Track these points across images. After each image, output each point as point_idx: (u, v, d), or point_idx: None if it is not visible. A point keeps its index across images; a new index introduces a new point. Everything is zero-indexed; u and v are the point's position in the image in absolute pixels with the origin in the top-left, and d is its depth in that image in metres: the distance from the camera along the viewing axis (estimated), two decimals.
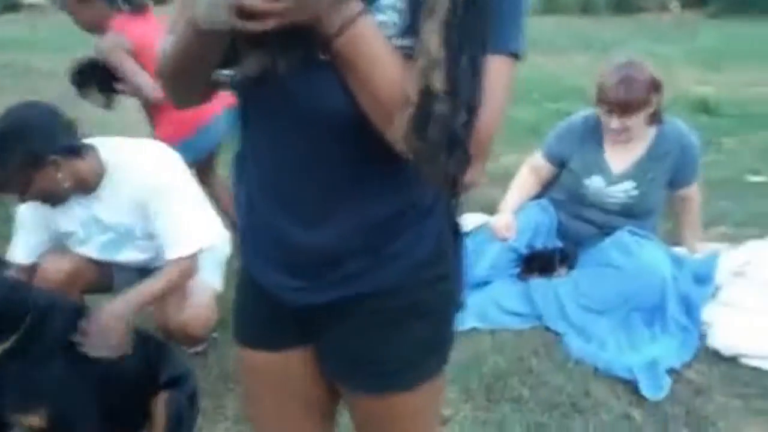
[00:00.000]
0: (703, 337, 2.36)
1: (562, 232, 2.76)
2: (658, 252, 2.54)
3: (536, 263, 2.67)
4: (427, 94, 0.80)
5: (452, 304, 1.09)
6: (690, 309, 2.44)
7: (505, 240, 2.71)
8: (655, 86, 2.54)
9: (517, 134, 4.61)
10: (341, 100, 0.86)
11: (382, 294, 1.00)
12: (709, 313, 2.39)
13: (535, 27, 10.34)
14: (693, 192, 2.73)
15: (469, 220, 3.31)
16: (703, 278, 2.51)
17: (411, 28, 0.82)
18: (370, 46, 0.82)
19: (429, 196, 0.99)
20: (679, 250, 2.78)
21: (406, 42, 0.83)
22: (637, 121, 2.54)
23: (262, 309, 1.06)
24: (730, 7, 9.20)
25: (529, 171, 2.88)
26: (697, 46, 6.92)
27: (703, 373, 2.22)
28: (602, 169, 2.65)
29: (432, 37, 0.79)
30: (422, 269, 1.02)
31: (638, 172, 2.63)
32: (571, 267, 2.67)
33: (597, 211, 2.67)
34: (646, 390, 2.13)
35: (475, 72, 0.83)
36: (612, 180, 2.64)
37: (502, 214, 2.79)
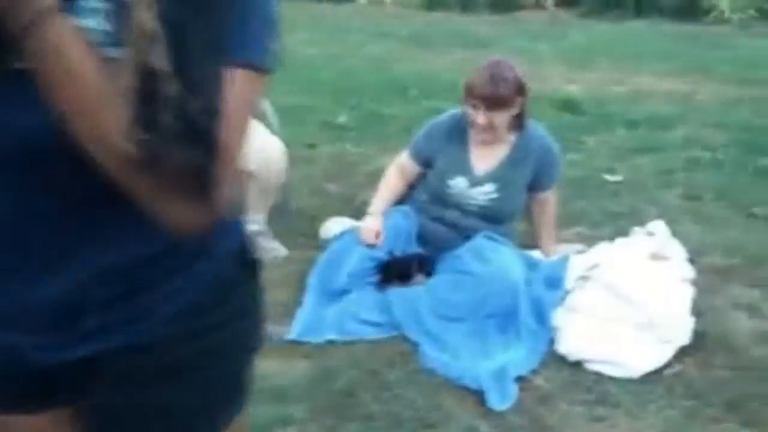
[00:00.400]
0: (552, 342, 2.39)
1: (422, 237, 2.73)
2: (511, 257, 2.55)
3: (394, 271, 2.63)
4: (147, 74, 0.68)
5: (244, 346, 0.99)
6: (541, 314, 2.46)
7: (373, 246, 2.65)
8: (521, 88, 2.57)
9: (393, 133, 4.56)
10: (45, 119, 0.71)
11: (146, 348, 0.89)
12: (558, 317, 2.42)
13: (415, 23, 10.40)
14: (550, 196, 2.77)
15: (335, 225, 3.24)
16: (555, 282, 2.54)
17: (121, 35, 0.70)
18: (68, 47, 0.69)
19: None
20: (534, 254, 2.82)
21: (116, 53, 0.71)
22: (502, 119, 2.54)
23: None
24: (599, 7, 9.57)
25: (396, 170, 2.85)
26: (567, 45, 7.14)
27: (549, 379, 2.24)
28: (466, 170, 2.64)
29: (142, 8, 0.67)
30: (195, 317, 0.91)
31: (499, 176, 2.63)
32: (428, 274, 2.64)
33: (458, 213, 2.66)
34: (491, 400, 2.12)
35: (208, 57, 0.72)
36: (474, 181, 2.63)
37: (370, 218, 2.74)
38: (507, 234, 2.73)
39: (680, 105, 5.14)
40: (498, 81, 2.52)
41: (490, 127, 2.56)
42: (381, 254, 2.64)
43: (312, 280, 2.76)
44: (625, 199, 3.48)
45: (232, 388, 1.00)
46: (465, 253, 2.56)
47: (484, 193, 2.62)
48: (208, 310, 0.92)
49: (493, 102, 2.51)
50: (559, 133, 4.39)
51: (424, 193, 2.76)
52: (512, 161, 2.65)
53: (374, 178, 3.86)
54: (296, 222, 3.39)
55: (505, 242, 2.64)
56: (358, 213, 3.41)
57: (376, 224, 2.69)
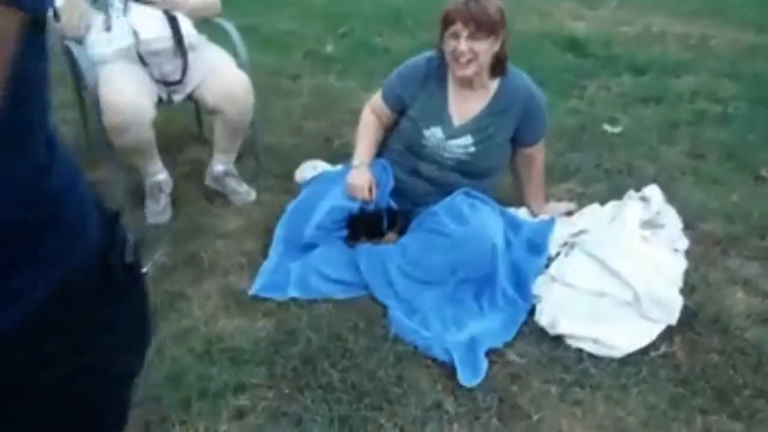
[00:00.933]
0: (531, 313, 2.20)
1: (398, 191, 2.51)
2: (491, 216, 2.34)
3: (363, 226, 2.43)
4: None
5: (108, 370, 0.79)
6: (520, 281, 2.27)
7: (367, 203, 2.44)
8: (503, 17, 2.30)
9: (382, 66, 4.25)
10: None
11: None
12: (539, 286, 2.23)
13: None
14: (537, 151, 2.54)
15: (309, 169, 3.02)
16: (537, 247, 2.34)
17: None
18: None
19: (43, 212, 0.67)
20: (520, 212, 2.61)
21: None
22: (484, 48, 2.27)
23: None
24: None
25: (371, 114, 2.60)
26: None
27: (524, 354, 2.06)
28: (443, 119, 2.41)
29: None
30: (34, 327, 0.71)
31: (477, 127, 2.40)
32: (401, 231, 2.44)
33: (434, 167, 2.44)
34: (461, 375, 1.95)
35: None
36: (451, 133, 2.40)
37: (358, 172, 2.49)
38: (488, 190, 2.51)
39: (692, 51, 4.82)
40: (479, 3, 2.24)
41: (474, 58, 2.29)
42: (351, 206, 2.43)
43: (279, 230, 2.56)
44: (623, 154, 3.24)
45: (85, 416, 0.81)
46: (440, 210, 2.35)
47: (461, 146, 2.39)
48: (52, 320, 0.72)
49: (475, 24, 2.23)
50: (559, 77, 4.15)
51: (398, 142, 2.53)
52: (492, 112, 2.40)
53: (356, 116, 3.60)
54: (269, 162, 3.17)
55: (486, 200, 2.42)
56: (335, 156, 3.20)
57: (366, 178, 2.46)
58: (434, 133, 2.39)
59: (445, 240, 2.26)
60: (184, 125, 3.42)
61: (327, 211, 2.41)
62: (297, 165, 3.09)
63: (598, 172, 3.09)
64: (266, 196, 2.94)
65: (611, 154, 3.24)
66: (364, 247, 2.38)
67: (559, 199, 2.81)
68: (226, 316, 2.27)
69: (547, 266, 2.29)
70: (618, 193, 2.85)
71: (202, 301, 2.33)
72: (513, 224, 2.45)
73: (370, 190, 2.43)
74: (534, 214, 2.63)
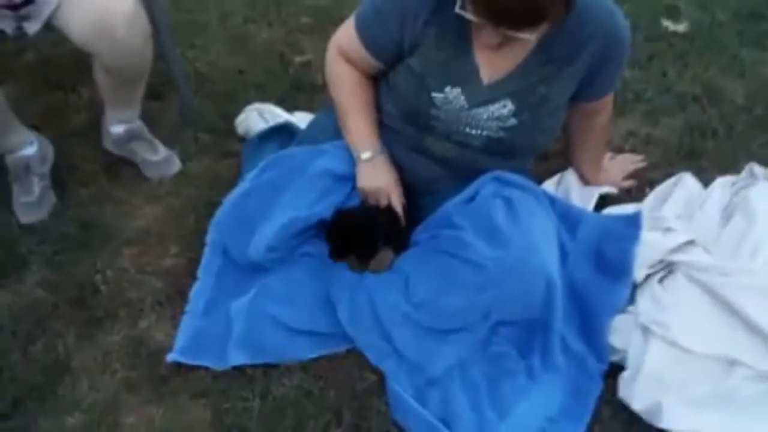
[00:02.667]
0: (608, 376, 1.41)
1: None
2: (539, 226, 1.47)
3: (340, 239, 1.56)
4: None
5: None
6: (588, 322, 1.46)
7: (387, 212, 1.57)
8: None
9: None
10: None
11: None
12: (621, 331, 1.42)
13: None
14: (605, 106, 1.62)
15: (255, 118, 2.09)
16: (613, 266, 1.50)
17: None
18: None
19: None
20: (572, 188, 1.75)
21: None
22: (527, 35, 1.28)
23: None
24: None
25: (343, 62, 1.58)
26: None
27: None
28: (465, 76, 1.44)
29: None
30: None
31: (522, 87, 1.44)
32: (399, 247, 1.58)
33: (451, 146, 1.53)
34: None
35: None
36: (479, 97, 1.45)
37: (375, 167, 1.57)
38: (526, 170, 1.64)
39: None
40: None
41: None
42: (323, 213, 1.55)
43: (212, 233, 1.70)
44: (696, 67, 2.32)
45: None
46: (461, 217, 1.49)
47: (494, 118, 1.46)
48: None
49: (511, 22, 1.26)
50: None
51: (389, 102, 1.59)
52: (547, 60, 1.41)
53: (320, 19, 2.62)
54: (200, 103, 2.23)
55: (527, 189, 1.55)
56: (294, 88, 2.26)
57: (391, 178, 1.58)
58: (451, 99, 1.45)
59: (472, 271, 1.41)
60: (75, 59, 2.38)
61: (284, 225, 1.53)
62: (240, 104, 2.15)
63: (667, 98, 2.19)
64: (196, 164, 2.02)
65: (679, 67, 2.32)
66: (342, 277, 1.53)
67: (617, 151, 1.94)
68: (134, 401, 1.46)
69: (631, 299, 1.46)
70: (701, 134, 1.99)
71: (95, 376, 1.51)
72: (568, 220, 1.59)
73: (398, 199, 1.58)
74: (585, 182, 1.78)
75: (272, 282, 1.54)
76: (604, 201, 1.77)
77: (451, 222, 1.48)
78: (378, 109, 1.59)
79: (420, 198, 1.62)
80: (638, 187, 1.85)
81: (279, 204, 1.57)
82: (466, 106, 1.45)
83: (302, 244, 1.58)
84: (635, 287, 1.45)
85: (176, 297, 1.65)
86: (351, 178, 1.59)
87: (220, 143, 2.08)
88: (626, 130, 2.06)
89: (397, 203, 1.56)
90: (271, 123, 2.00)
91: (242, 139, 2.07)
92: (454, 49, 1.42)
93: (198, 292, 1.63)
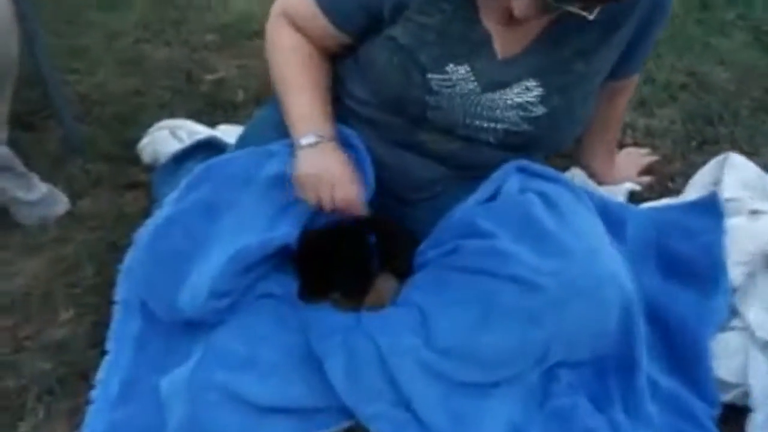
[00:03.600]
0: (722, 422, 1.01)
1: (377, 180, 1.16)
2: (593, 229, 1.08)
3: (314, 270, 1.08)
4: None
5: None
6: (681, 352, 1.06)
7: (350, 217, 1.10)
8: None
9: None
10: None
11: None
12: (732, 354, 1.03)
13: None
14: (633, 82, 1.27)
15: (164, 140, 1.62)
16: (697, 268, 1.12)
17: None
18: None
19: None
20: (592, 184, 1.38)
21: None
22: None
23: None
24: None
25: (293, 31, 1.14)
26: None
27: None
28: (474, 48, 1.04)
29: None
30: None
31: (553, 59, 1.05)
32: (403, 271, 1.12)
33: (455, 141, 1.12)
34: None
35: None
36: (495, 77, 1.05)
37: (325, 157, 1.11)
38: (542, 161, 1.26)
39: None
40: None
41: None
42: (284, 235, 1.08)
43: (123, 289, 1.19)
44: (670, 63, 2.05)
45: None
46: (489, 218, 1.07)
47: (515, 105, 1.06)
48: None
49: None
50: None
51: (361, 89, 1.16)
52: (588, 21, 1.07)
53: (228, 35, 2.19)
54: (91, 129, 1.72)
55: (566, 185, 1.15)
56: (209, 106, 1.82)
57: (346, 173, 1.10)
58: (455, 80, 1.03)
59: (520, 293, 0.98)
60: None
61: (231, 258, 1.04)
62: (141, 127, 1.66)
63: (653, 88, 1.90)
64: (89, 201, 1.50)
65: (653, 57, 2.04)
66: (326, 324, 1.05)
67: (618, 146, 1.61)
68: None
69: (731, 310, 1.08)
70: (706, 121, 1.70)
71: None
72: (610, 218, 1.20)
73: (357, 203, 1.10)
74: (597, 181, 1.42)
75: (222, 340, 1.05)
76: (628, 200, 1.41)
77: (474, 228, 1.06)
78: (346, 95, 1.16)
79: (409, 207, 1.19)
80: (658, 181, 1.52)
81: (218, 231, 1.10)
82: (477, 90, 1.04)
83: (258, 281, 1.10)
84: (733, 292, 1.07)
85: (75, 381, 1.12)
86: None
87: (119, 173, 1.58)
88: (622, 124, 1.74)
89: (346, 199, 1.09)
90: (188, 142, 1.52)
91: (149, 168, 1.58)
92: (454, 13, 1.03)
93: (109, 371, 1.11)
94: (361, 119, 1.16)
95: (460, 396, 1.00)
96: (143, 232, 1.17)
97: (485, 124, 1.06)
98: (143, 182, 1.53)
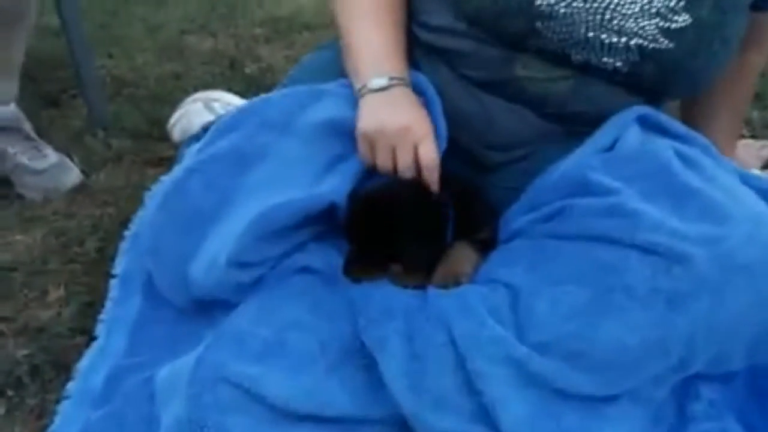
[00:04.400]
0: None
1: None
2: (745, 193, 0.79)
3: (369, 236, 0.81)
4: None
5: None
6: None
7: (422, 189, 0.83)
8: None
9: None
10: None
11: None
12: None
13: None
14: None
15: (197, 112, 1.40)
16: None
17: None
18: None
19: None
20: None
21: None
22: None
23: None
24: None
25: None
26: None
27: None
28: None
29: None
30: None
31: None
32: (486, 243, 0.84)
33: (564, 73, 0.84)
34: None
35: None
36: None
37: (395, 106, 0.85)
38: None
39: None
40: None
41: None
42: (330, 189, 0.82)
43: (126, 260, 0.95)
44: None
45: None
46: (608, 171, 0.79)
47: (655, 11, 0.79)
48: None
49: None
50: None
51: (439, 13, 0.90)
52: None
53: (277, 27, 2.00)
54: (117, 113, 1.51)
55: (700, 145, 0.86)
56: (255, 89, 1.61)
57: (424, 130, 0.84)
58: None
59: (657, 270, 0.70)
60: None
61: (258, 218, 0.79)
62: (172, 108, 1.45)
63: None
64: (105, 175, 1.28)
65: None
66: (380, 307, 0.77)
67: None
68: None
69: None
70: None
71: None
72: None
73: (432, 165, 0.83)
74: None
75: (239, 323, 0.78)
76: None
77: (588, 184, 0.78)
78: (414, 25, 0.92)
79: (489, 175, 0.92)
80: None
81: (248, 185, 0.85)
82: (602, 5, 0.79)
83: (294, 252, 0.83)
84: None
85: (50, 372, 0.86)
86: None
87: (143, 149, 1.37)
88: None
89: (432, 160, 0.83)
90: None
91: (178, 146, 1.35)
92: None
93: (94, 360, 0.85)
94: (432, 54, 0.91)
95: (560, 412, 0.71)
96: (157, 189, 0.93)
97: (614, 39, 0.79)
98: (169, 158, 1.30)
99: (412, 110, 0.85)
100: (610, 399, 0.72)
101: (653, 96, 0.88)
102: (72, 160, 1.29)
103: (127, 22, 2.06)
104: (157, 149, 1.36)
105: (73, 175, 1.25)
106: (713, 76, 0.88)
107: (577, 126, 0.88)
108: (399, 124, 0.82)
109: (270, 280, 0.82)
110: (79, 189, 1.23)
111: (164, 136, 1.39)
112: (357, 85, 0.87)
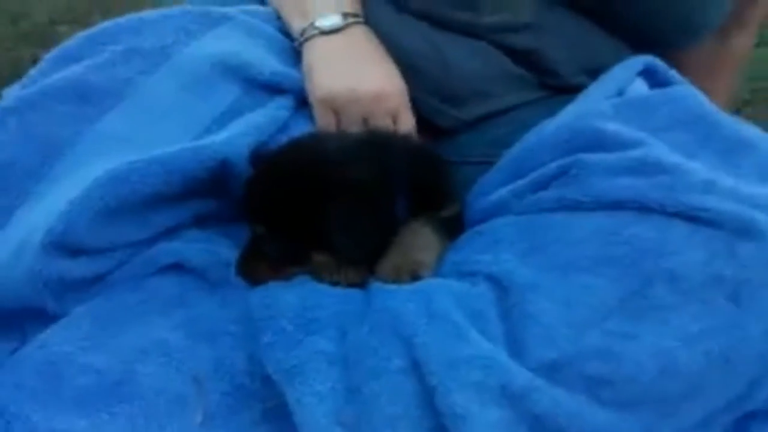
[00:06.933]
0: None
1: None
2: None
3: (284, 214, 0.54)
4: None
5: None
6: None
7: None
8: None
9: None
10: None
11: None
12: None
13: None
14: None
15: None
16: None
17: None
18: None
19: None
20: None
21: None
22: None
23: None
24: None
25: None
26: None
27: None
28: None
29: None
30: None
31: None
32: (453, 224, 0.57)
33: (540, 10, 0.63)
34: None
35: None
36: None
37: (352, 48, 0.66)
38: None
39: None
40: None
41: None
42: (222, 143, 0.55)
43: None
44: None
45: None
46: (626, 118, 0.56)
47: None
48: None
49: None
50: None
51: None
52: None
53: None
54: None
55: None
56: None
57: (390, 76, 0.66)
58: None
59: (708, 247, 0.47)
60: None
61: (104, 180, 0.51)
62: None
63: None
64: None
65: None
66: (300, 303, 0.49)
67: None
68: None
69: None
70: None
71: None
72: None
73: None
74: None
75: (58, 350, 0.49)
76: None
77: (599, 135, 0.54)
78: None
79: (447, 144, 0.68)
80: None
81: (95, 135, 0.57)
82: None
83: (160, 239, 0.55)
84: None
85: None
86: (286, 85, 0.63)
87: None
88: None
89: (411, 129, 0.63)
90: None
91: None
92: None
93: None
94: None
95: None
96: None
97: None
98: None
99: (382, 64, 0.65)
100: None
101: (640, 42, 0.67)
102: None
103: None
104: None
105: None
106: (712, 20, 0.69)
107: (553, 78, 0.65)
108: (373, 88, 0.63)
109: (117, 281, 0.53)
110: None
111: None
112: (299, 23, 0.66)
